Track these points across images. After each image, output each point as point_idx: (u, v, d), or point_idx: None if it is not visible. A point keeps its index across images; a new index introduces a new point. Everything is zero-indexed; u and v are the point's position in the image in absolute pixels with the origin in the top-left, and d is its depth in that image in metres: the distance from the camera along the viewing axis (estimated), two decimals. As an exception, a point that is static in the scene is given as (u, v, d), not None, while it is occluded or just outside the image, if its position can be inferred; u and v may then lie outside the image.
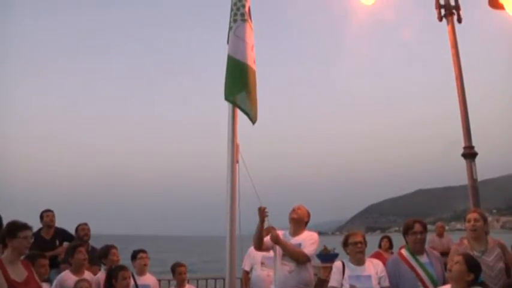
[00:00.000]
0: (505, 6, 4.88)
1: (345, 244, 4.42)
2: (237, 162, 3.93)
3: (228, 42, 4.19)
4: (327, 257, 8.64)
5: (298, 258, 4.58)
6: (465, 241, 4.17)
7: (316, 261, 7.46)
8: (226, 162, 3.94)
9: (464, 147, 4.67)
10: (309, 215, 4.92)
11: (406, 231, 4.29)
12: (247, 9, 4.20)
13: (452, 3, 4.91)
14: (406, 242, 4.35)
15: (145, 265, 5.29)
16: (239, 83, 4.03)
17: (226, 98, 4.01)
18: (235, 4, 4.18)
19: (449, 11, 4.89)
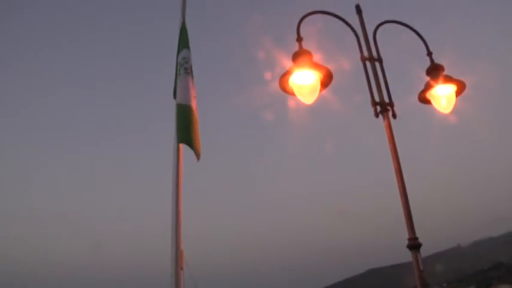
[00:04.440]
0: (432, 101, 5.37)
1: None
2: (182, 269, 3.77)
3: (174, 97, 4.51)
4: None
5: None
6: None
7: None
8: (170, 269, 3.76)
9: (409, 239, 4.68)
10: None
11: None
12: (189, 66, 4.57)
13: (387, 100, 5.16)
14: None
15: None
16: (189, 126, 4.29)
17: (181, 141, 4.26)
18: (179, 63, 4.57)
19: (384, 108, 5.11)
